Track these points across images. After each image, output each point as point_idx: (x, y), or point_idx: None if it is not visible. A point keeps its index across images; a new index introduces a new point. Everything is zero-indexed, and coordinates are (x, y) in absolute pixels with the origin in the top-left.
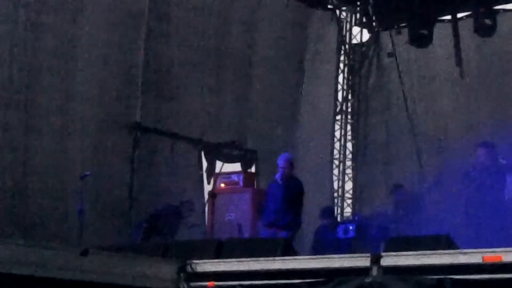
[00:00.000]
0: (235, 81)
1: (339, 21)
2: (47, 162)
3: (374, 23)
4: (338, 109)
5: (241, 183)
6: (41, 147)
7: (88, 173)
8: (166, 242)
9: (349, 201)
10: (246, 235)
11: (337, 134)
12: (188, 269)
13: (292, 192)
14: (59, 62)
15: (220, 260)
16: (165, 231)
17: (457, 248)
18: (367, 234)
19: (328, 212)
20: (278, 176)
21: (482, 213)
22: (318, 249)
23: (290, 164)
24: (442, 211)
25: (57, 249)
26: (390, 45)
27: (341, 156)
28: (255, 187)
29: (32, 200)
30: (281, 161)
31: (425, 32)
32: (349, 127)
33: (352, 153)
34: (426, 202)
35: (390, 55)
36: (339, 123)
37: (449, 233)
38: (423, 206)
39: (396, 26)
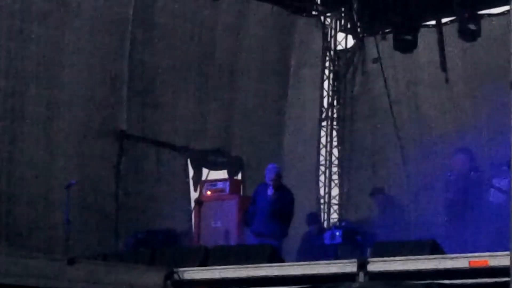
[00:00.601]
0: (220, 88)
1: (324, 27)
2: (33, 171)
3: (359, 29)
4: (323, 115)
5: (227, 190)
6: (27, 155)
7: (73, 181)
8: (152, 250)
9: (336, 207)
10: (233, 242)
11: (323, 140)
12: (175, 277)
13: (282, 203)
14: (44, 71)
15: (207, 267)
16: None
17: (444, 253)
18: (354, 240)
19: (314, 218)
20: (269, 188)
21: (463, 218)
22: (304, 256)
23: (279, 175)
24: (428, 216)
25: (44, 258)
26: (375, 51)
27: (327, 162)
28: (241, 194)
29: (18, 209)
30: (271, 174)
31: (410, 37)
32: (335, 133)
33: (338, 159)
34: (412, 207)
35: (375, 60)
36: (324, 129)
37: (435, 238)
38: (404, 210)
39: (380, 32)
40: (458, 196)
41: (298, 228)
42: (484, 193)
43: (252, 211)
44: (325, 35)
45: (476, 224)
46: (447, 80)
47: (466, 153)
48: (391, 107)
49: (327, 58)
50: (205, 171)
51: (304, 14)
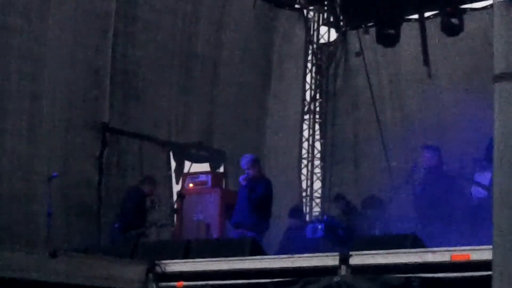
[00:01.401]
0: (202, 81)
1: (306, 20)
2: (15, 163)
3: (341, 23)
4: (306, 109)
5: (209, 184)
6: (9, 149)
7: (55, 174)
8: (134, 244)
9: (318, 201)
10: (215, 235)
11: (305, 133)
12: (157, 269)
13: (258, 192)
14: (26, 64)
15: (189, 260)
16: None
17: (425, 247)
18: (336, 234)
19: (296, 211)
20: (241, 178)
21: (430, 213)
22: (286, 249)
23: (253, 164)
24: (409, 211)
25: (25, 251)
26: (358, 45)
27: (310, 155)
28: (223, 187)
29: None
30: (243, 163)
31: (393, 31)
32: (317, 127)
33: (320, 152)
34: (393, 202)
35: (357, 54)
36: (307, 122)
37: (416, 232)
38: (385, 204)
39: (363, 26)
40: (425, 191)
41: (280, 221)
42: (448, 191)
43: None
44: (307, 28)
45: (456, 219)
46: (429, 75)
47: (432, 150)
48: (373, 101)
49: (310, 52)
50: (187, 164)
51: (287, 8)
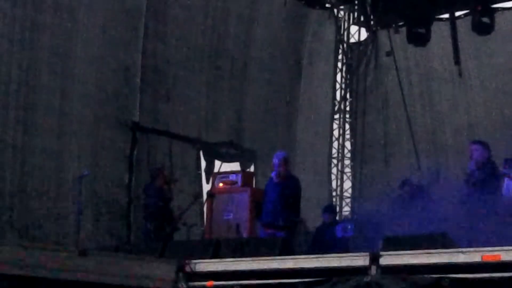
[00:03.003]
0: (232, 80)
1: (337, 20)
2: (45, 162)
3: (372, 22)
4: (336, 108)
5: (239, 183)
6: (39, 146)
7: (86, 172)
8: (164, 242)
9: (348, 200)
10: (245, 234)
11: (335, 133)
12: (187, 268)
13: (288, 191)
14: (56, 61)
15: (219, 259)
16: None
17: (456, 247)
18: (366, 233)
19: (331, 208)
20: (273, 174)
21: (481, 212)
22: (316, 248)
23: (285, 162)
24: (440, 210)
25: (56, 250)
26: (388, 44)
27: (340, 155)
28: (253, 186)
29: (30, 200)
30: (276, 160)
31: (423, 30)
32: (347, 126)
33: (350, 152)
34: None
35: (388, 54)
36: (337, 122)
37: (446, 231)
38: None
39: (394, 25)
40: (475, 190)
41: (311, 221)
42: (496, 188)
43: (264, 205)
44: (338, 27)
45: (490, 218)
46: (460, 74)
47: (482, 144)
48: (404, 100)
49: (340, 51)
50: (217, 163)
51: (317, 7)
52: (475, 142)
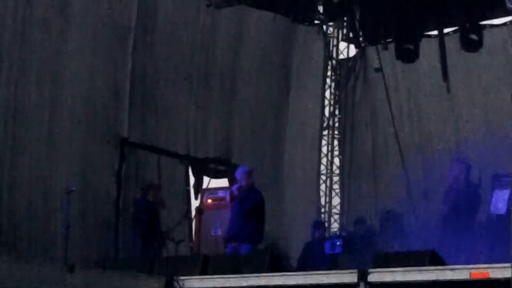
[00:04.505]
0: (221, 95)
1: (325, 36)
2: (33, 177)
3: (360, 38)
4: (325, 124)
5: (228, 199)
6: (27, 161)
7: (74, 188)
8: (152, 258)
9: (336, 217)
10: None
11: (324, 149)
12: (175, 285)
13: (249, 203)
14: (46, 76)
15: (207, 276)
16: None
17: (444, 264)
18: (354, 250)
19: (319, 224)
20: (234, 187)
21: (459, 229)
22: (305, 265)
23: (247, 176)
24: (428, 226)
25: (44, 265)
26: (377, 60)
27: (328, 171)
28: None
29: (17, 214)
30: (238, 174)
31: (412, 47)
32: (336, 142)
33: (339, 168)
34: (412, 217)
35: (377, 70)
36: (326, 138)
37: (435, 248)
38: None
39: (382, 41)
40: (454, 206)
41: (300, 237)
42: (476, 205)
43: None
44: (327, 44)
45: (475, 234)
46: (448, 90)
47: (462, 163)
48: (392, 117)
49: (329, 67)
50: (206, 179)
51: (306, 23)
52: (454, 160)
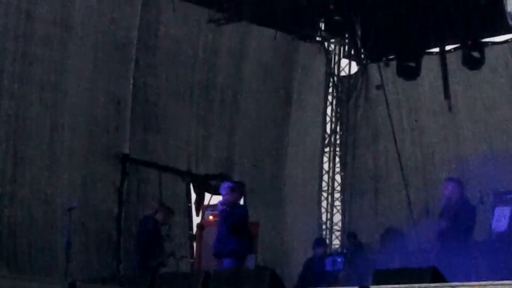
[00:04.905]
0: (222, 112)
1: (327, 53)
2: (35, 193)
3: (362, 55)
4: (326, 141)
5: None
6: (29, 177)
7: (75, 204)
8: (152, 275)
9: (338, 233)
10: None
11: (326, 166)
12: None
13: (234, 218)
14: (47, 93)
15: None
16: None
17: (445, 281)
18: (355, 267)
19: (320, 241)
20: (219, 202)
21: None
22: (306, 281)
23: (231, 191)
24: (429, 243)
25: (45, 282)
26: (378, 77)
27: (330, 188)
28: None
29: (19, 231)
30: (222, 190)
31: (413, 64)
32: (337, 159)
33: (340, 185)
34: (413, 234)
35: (378, 87)
36: (327, 155)
37: (436, 266)
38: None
39: (384, 59)
40: (450, 224)
41: (301, 254)
42: (471, 225)
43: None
44: (328, 61)
45: (474, 252)
46: (450, 108)
47: (456, 182)
48: (393, 134)
49: (330, 84)
50: (207, 195)
51: (308, 40)
52: (448, 179)
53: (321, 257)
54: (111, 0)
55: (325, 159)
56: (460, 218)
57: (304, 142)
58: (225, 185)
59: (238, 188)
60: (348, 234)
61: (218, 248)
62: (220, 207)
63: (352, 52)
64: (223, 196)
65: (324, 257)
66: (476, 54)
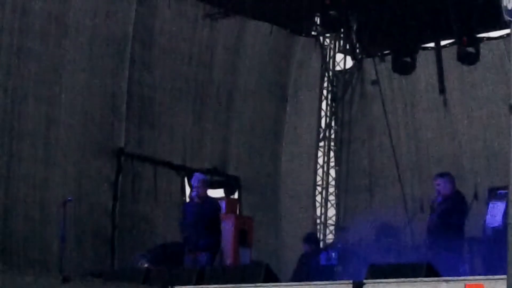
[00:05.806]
0: (217, 107)
1: (322, 48)
2: (30, 188)
3: (357, 50)
4: (321, 136)
5: (223, 210)
6: (24, 172)
7: (70, 198)
8: (147, 269)
9: (332, 228)
10: (228, 261)
11: (320, 160)
12: None
13: (206, 212)
14: (43, 88)
15: (203, 286)
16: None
17: (439, 276)
18: (350, 261)
19: (311, 238)
20: (193, 194)
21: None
22: (300, 276)
23: (204, 184)
24: (423, 239)
25: (39, 276)
26: (374, 72)
27: (324, 182)
28: (237, 213)
29: (13, 225)
30: (195, 182)
31: (409, 59)
32: (332, 154)
33: (335, 180)
34: (407, 230)
35: (373, 82)
36: (322, 150)
37: (430, 261)
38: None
39: (379, 54)
40: (440, 219)
41: (295, 248)
42: (461, 219)
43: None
44: (323, 56)
45: (467, 247)
46: (445, 103)
47: (447, 177)
48: (388, 129)
49: (326, 79)
50: None
51: (303, 35)
52: (439, 175)
53: (314, 253)
54: None
55: (320, 153)
56: (451, 213)
57: (299, 136)
58: (198, 177)
59: (208, 182)
60: (337, 228)
61: (192, 242)
62: (195, 200)
63: (348, 47)
64: (195, 187)
65: (318, 252)
66: (471, 49)
